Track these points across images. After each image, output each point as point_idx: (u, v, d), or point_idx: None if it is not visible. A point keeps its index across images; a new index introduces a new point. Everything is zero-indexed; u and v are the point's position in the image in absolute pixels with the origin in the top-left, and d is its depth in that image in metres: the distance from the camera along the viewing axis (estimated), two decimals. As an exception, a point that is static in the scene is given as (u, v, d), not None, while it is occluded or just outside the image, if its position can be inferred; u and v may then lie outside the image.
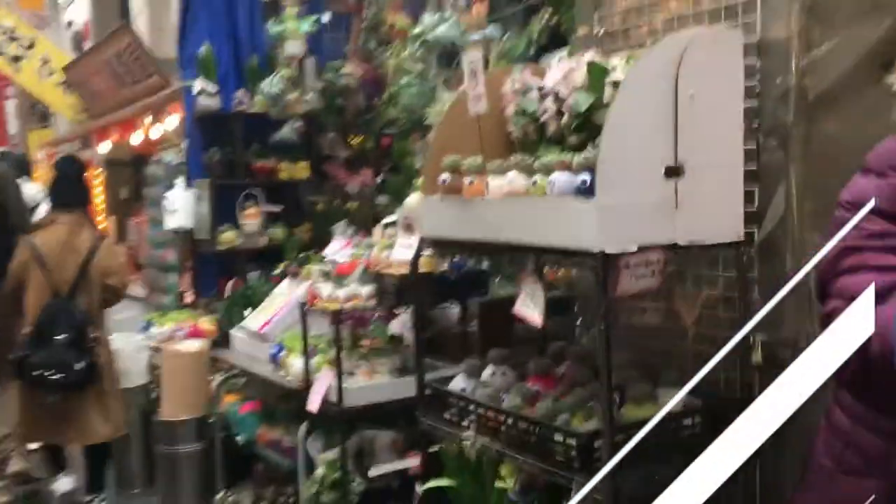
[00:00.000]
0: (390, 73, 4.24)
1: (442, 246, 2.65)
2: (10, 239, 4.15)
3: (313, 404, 3.15)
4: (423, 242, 2.66)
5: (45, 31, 10.23)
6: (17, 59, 8.92)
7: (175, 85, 5.69)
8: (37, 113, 12.83)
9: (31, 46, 8.99)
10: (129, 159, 8.63)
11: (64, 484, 4.36)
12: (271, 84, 4.59)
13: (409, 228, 2.97)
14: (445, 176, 2.40)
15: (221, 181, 4.83)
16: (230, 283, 4.78)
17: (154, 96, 6.39)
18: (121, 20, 8.08)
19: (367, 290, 3.16)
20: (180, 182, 5.01)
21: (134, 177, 9.20)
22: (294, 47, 4.51)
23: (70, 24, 11.65)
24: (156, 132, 6.74)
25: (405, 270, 2.91)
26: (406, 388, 2.98)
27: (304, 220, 5.08)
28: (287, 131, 4.79)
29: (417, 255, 2.73)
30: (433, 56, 3.79)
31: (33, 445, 4.54)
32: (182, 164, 5.17)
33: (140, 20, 7.95)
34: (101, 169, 8.75)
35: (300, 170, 5.04)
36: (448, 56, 3.77)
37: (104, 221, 8.34)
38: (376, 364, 3.27)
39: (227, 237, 4.80)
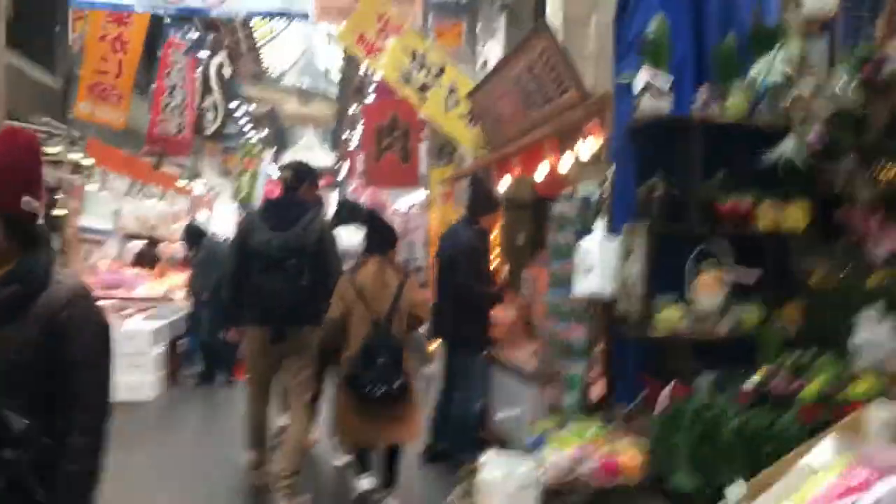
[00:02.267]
0: None
1: None
2: (325, 280, 4.86)
3: None
4: None
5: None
6: (424, 88, 8.20)
7: (595, 96, 4.12)
8: (445, 153, 12.54)
9: (439, 74, 8.21)
10: (530, 199, 7.35)
11: (366, 483, 4.98)
12: (769, 67, 2.72)
13: None
14: None
15: (664, 228, 3.08)
16: (666, 390, 2.98)
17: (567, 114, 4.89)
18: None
19: None
20: (599, 227, 3.35)
21: (534, 219, 7.92)
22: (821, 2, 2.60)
23: (485, 63, 11.03)
24: (565, 163, 5.25)
25: None
26: None
27: (792, 297, 3.11)
28: (790, 148, 2.84)
29: None
30: None
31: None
32: (604, 200, 3.52)
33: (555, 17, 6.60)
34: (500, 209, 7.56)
35: (793, 215, 3.08)
36: None
37: (500, 270, 7.13)
38: None
39: (668, 316, 3.01)
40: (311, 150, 44.06)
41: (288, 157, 37.95)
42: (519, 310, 6.60)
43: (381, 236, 5.02)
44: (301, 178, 5.21)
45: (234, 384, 9.08)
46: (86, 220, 14.26)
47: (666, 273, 3.06)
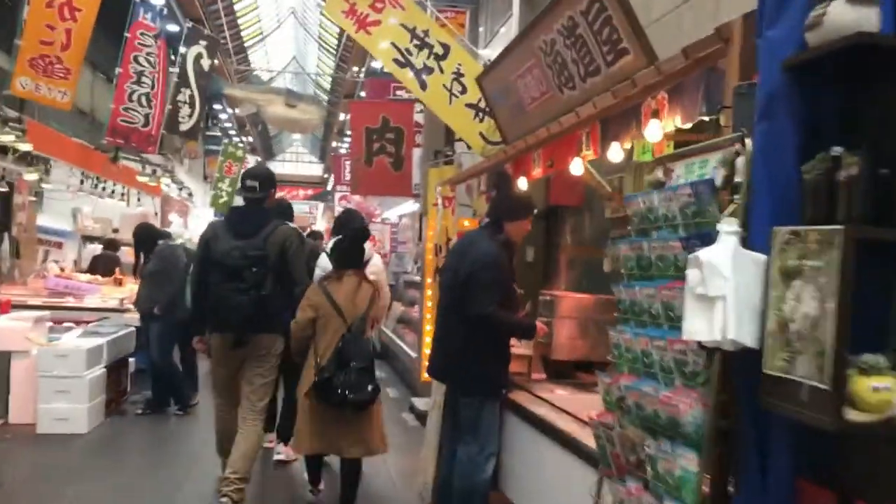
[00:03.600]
0: None
1: None
2: (292, 289, 4.99)
3: None
4: None
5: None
6: (425, 71, 6.87)
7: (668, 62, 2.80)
8: (442, 156, 11.29)
9: (444, 55, 6.90)
10: (542, 208, 6.11)
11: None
12: None
13: None
14: None
15: (865, 232, 1.75)
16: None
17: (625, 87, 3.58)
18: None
19: None
20: (729, 230, 2.02)
21: (547, 231, 6.61)
22: None
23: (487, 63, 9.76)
24: (615, 153, 3.94)
25: None
26: None
27: None
28: None
29: None
30: None
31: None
32: (736, 187, 2.18)
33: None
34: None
35: None
36: None
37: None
38: None
39: (876, 391, 1.68)
40: (299, 159, 43.03)
41: (277, 165, 36.87)
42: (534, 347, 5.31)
43: (359, 253, 5.08)
44: (265, 185, 5.14)
45: (189, 413, 7.70)
46: (43, 220, 12.91)
47: (867, 312, 1.72)
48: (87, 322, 8.37)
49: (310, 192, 36.47)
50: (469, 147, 7.36)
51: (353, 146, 13.63)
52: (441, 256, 7.12)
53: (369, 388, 4.63)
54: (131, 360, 8.50)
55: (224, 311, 4.82)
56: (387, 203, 15.80)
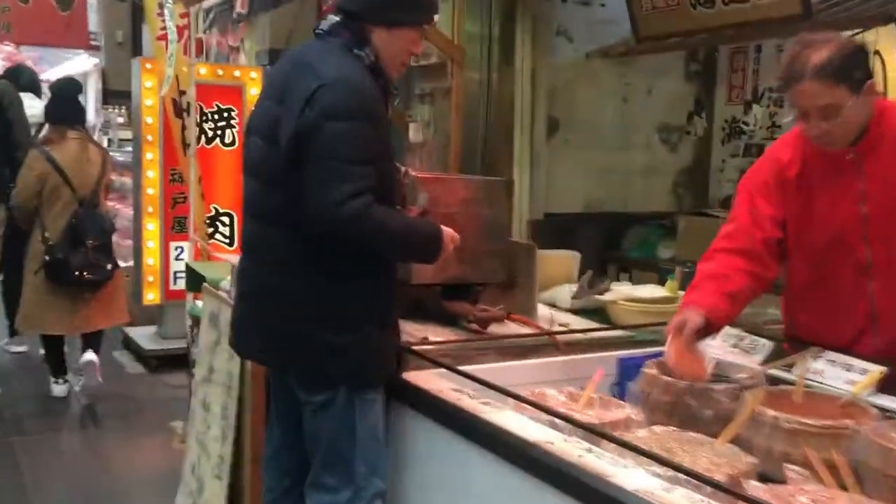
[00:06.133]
0: None
1: None
2: (14, 153, 4.72)
3: None
4: None
5: None
6: None
7: None
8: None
9: None
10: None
11: (61, 389, 4.75)
12: None
13: None
14: None
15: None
16: None
17: None
18: None
19: None
20: None
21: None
22: None
23: None
24: None
25: None
26: None
27: None
28: None
29: None
30: None
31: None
32: None
33: None
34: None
35: None
36: None
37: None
38: None
39: None
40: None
41: None
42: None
43: (74, 105, 4.69)
44: None
45: None
46: None
47: None
48: None
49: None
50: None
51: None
52: (182, 120, 4.58)
53: (108, 266, 4.47)
54: None
55: None
56: (49, 58, 12.00)
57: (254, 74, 5.17)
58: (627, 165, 5.44)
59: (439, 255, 2.12)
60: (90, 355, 4.72)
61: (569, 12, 5.14)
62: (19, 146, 4.62)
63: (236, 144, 5.18)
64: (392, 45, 2.06)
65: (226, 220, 5.23)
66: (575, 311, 3.02)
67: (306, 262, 1.98)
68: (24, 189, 4.43)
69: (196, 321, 3.12)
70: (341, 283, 1.98)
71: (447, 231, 2.13)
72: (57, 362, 4.78)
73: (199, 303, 3.08)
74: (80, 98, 4.98)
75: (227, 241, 5.27)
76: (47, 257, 4.37)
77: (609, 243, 5.36)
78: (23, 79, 5.52)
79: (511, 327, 2.68)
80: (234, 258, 2.48)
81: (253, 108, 2.18)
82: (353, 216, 1.87)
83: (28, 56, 12.01)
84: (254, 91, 5.17)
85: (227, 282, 2.99)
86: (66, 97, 4.67)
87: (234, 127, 5.09)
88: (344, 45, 2.01)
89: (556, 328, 2.66)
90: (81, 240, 4.37)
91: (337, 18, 2.05)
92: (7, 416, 4.53)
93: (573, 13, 5.17)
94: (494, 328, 2.59)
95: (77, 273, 4.36)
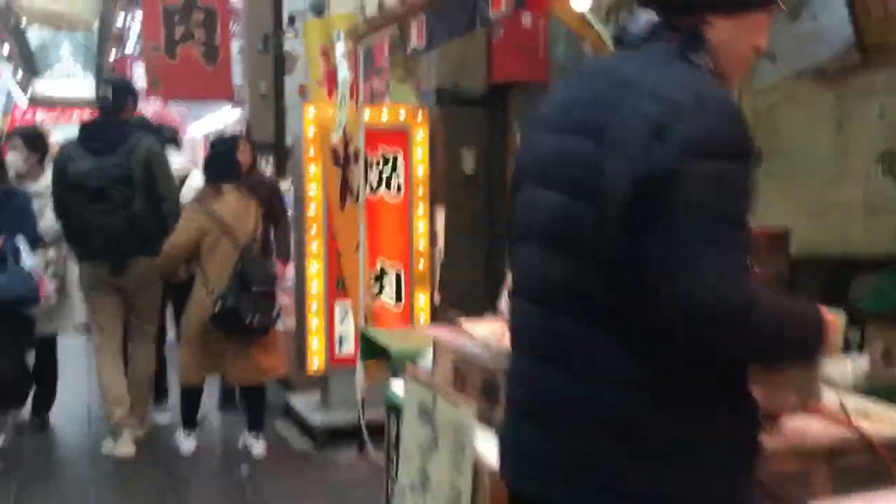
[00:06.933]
0: None
1: None
2: (159, 204, 4.63)
3: None
4: None
5: None
6: None
7: None
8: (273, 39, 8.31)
9: None
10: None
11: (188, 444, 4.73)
12: None
13: None
14: None
15: None
16: None
17: None
18: None
19: None
20: None
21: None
22: None
23: None
24: None
25: None
26: None
27: None
28: None
29: None
30: None
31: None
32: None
33: None
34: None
35: None
36: None
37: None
38: None
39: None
40: (72, 75, 36.88)
41: (44, 84, 31.07)
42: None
43: (229, 160, 4.73)
44: (121, 95, 4.73)
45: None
46: None
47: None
48: None
49: (86, 114, 31.00)
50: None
51: (146, 31, 9.95)
52: (351, 168, 4.18)
53: (274, 311, 4.51)
54: None
55: (95, 236, 4.52)
56: (193, 110, 12.22)
57: (419, 117, 4.74)
58: (846, 201, 4.69)
59: (821, 348, 1.50)
60: (258, 447, 4.65)
61: (773, 28, 4.49)
62: (165, 198, 4.64)
63: (402, 194, 4.75)
64: (736, 41, 1.48)
65: (391, 277, 4.80)
66: (864, 393, 2.32)
67: (642, 371, 1.37)
68: (180, 235, 4.42)
69: (394, 410, 2.62)
70: (696, 410, 1.39)
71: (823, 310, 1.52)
72: (192, 413, 4.74)
73: (397, 388, 2.58)
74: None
75: (393, 299, 4.84)
76: (216, 307, 4.35)
77: (830, 294, 4.59)
78: (165, 133, 5.62)
79: (813, 425, 2.00)
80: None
81: (522, 147, 1.61)
82: (743, 304, 1.28)
83: (175, 110, 12.30)
84: (420, 135, 4.74)
85: (423, 357, 2.52)
86: (220, 153, 4.75)
87: (401, 175, 4.67)
88: (674, 51, 1.42)
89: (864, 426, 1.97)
90: (248, 287, 4.36)
91: (652, 15, 1.48)
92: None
93: (777, 29, 4.51)
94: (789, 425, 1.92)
95: (246, 321, 4.34)
